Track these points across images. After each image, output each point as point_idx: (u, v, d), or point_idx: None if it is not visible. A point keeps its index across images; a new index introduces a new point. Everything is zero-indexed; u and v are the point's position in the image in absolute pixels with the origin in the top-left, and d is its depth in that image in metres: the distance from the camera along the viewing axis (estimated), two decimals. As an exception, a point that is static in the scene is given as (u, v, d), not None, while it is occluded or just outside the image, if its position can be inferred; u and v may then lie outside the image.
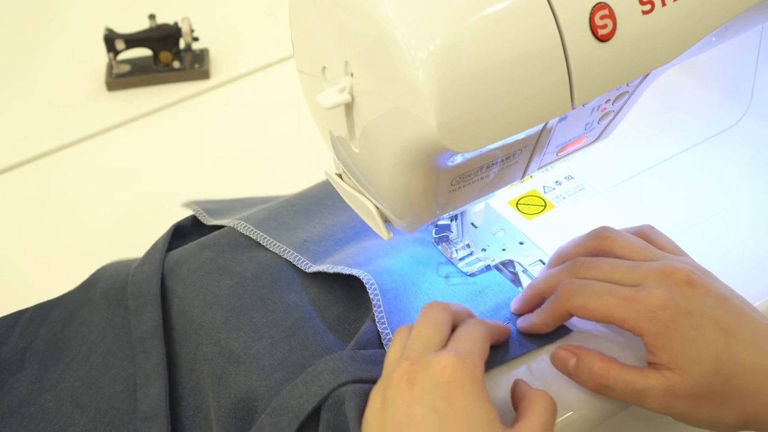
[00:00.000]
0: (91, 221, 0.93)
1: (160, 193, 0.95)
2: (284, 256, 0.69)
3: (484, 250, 0.69)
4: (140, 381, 0.64)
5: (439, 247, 0.69)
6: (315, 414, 0.58)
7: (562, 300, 0.58)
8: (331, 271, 0.66)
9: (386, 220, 0.61)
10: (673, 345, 0.54)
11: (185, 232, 0.75)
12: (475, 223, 0.71)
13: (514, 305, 0.63)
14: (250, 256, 0.69)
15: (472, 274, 0.67)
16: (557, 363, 0.59)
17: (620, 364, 0.56)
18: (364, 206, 0.61)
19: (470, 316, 0.60)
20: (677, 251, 0.62)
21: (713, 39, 0.57)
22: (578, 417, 0.58)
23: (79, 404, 0.66)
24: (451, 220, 0.68)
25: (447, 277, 0.67)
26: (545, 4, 0.49)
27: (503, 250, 0.69)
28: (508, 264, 0.68)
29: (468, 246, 0.69)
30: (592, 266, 0.59)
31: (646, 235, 0.62)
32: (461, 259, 0.68)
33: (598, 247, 0.61)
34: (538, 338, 0.62)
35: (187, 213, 0.82)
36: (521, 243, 0.70)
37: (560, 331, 0.62)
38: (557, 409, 0.55)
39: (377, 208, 0.60)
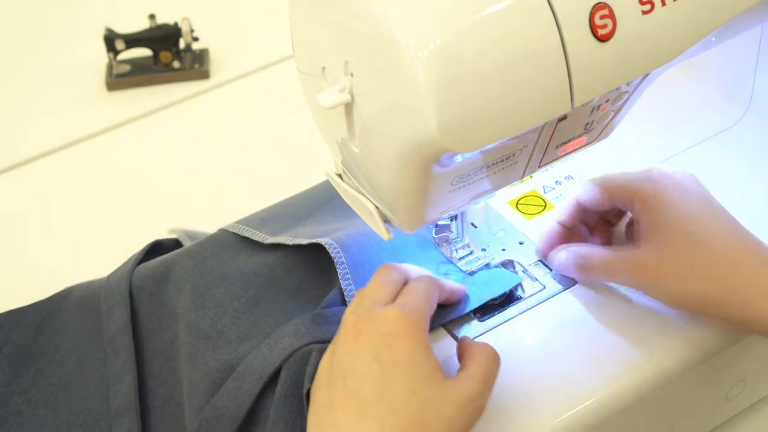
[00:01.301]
0: (91, 221, 0.93)
1: (160, 193, 0.95)
2: (242, 234, 0.70)
3: (484, 250, 0.69)
4: (112, 380, 0.66)
5: (440, 247, 0.69)
6: (278, 376, 0.60)
7: (573, 193, 0.65)
8: (290, 243, 0.67)
9: (386, 220, 0.61)
10: (657, 206, 0.59)
11: (163, 253, 0.76)
12: (475, 223, 0.71)
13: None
14: (210, 238, 0.71)
15: (472, 273, 0.67)
16: (556, 261, 0.65)
17: (601, 247, 0.63)
18: (364, 206, 0.61)
19: (425, 275, 0.62)
20: None
21: (713, 39, 0.57)
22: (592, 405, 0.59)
23: (53, 407, 0.66)
24: (451, 220, 0.68)
25: (446, 274, 0.67)
26: (545, 4, 0.49)
27: (503, 250, 0.70)
28: (508, 264, 0.68)
29: (468, 246, 0.69)
30: None
31: None
32: (461, 258, 0.68)
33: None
34: (491, 307, 0.65)
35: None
36: (521, 243, 0.70)
37: (513, 302, 0.65)
38: (500, 359, 0.56)
39: (377, 208, 0.60)
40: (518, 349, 0.62)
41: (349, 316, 0.56)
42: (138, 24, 1.07)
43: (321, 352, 0.58)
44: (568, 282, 0.66)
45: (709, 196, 0.62)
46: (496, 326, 0.64)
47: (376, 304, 0.57)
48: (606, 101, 0.59)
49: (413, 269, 0.62)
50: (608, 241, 0.67)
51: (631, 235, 0.66)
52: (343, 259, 0.65)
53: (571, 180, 0.75)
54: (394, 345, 0.53)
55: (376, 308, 0.56)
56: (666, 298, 0.60)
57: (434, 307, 0.58)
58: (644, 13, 0.51)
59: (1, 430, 0.66)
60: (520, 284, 0.67)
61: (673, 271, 0.59)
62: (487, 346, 0.57)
